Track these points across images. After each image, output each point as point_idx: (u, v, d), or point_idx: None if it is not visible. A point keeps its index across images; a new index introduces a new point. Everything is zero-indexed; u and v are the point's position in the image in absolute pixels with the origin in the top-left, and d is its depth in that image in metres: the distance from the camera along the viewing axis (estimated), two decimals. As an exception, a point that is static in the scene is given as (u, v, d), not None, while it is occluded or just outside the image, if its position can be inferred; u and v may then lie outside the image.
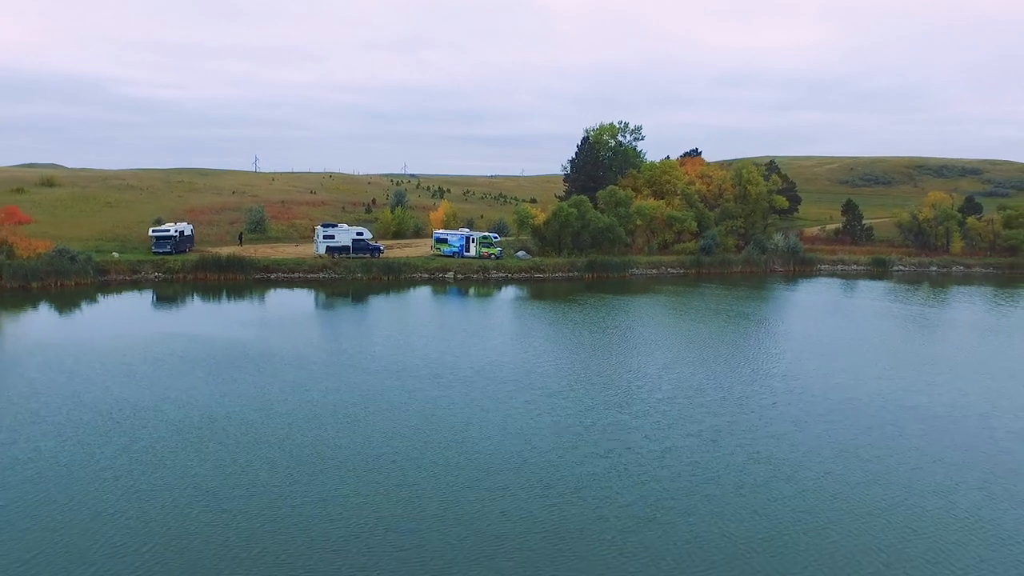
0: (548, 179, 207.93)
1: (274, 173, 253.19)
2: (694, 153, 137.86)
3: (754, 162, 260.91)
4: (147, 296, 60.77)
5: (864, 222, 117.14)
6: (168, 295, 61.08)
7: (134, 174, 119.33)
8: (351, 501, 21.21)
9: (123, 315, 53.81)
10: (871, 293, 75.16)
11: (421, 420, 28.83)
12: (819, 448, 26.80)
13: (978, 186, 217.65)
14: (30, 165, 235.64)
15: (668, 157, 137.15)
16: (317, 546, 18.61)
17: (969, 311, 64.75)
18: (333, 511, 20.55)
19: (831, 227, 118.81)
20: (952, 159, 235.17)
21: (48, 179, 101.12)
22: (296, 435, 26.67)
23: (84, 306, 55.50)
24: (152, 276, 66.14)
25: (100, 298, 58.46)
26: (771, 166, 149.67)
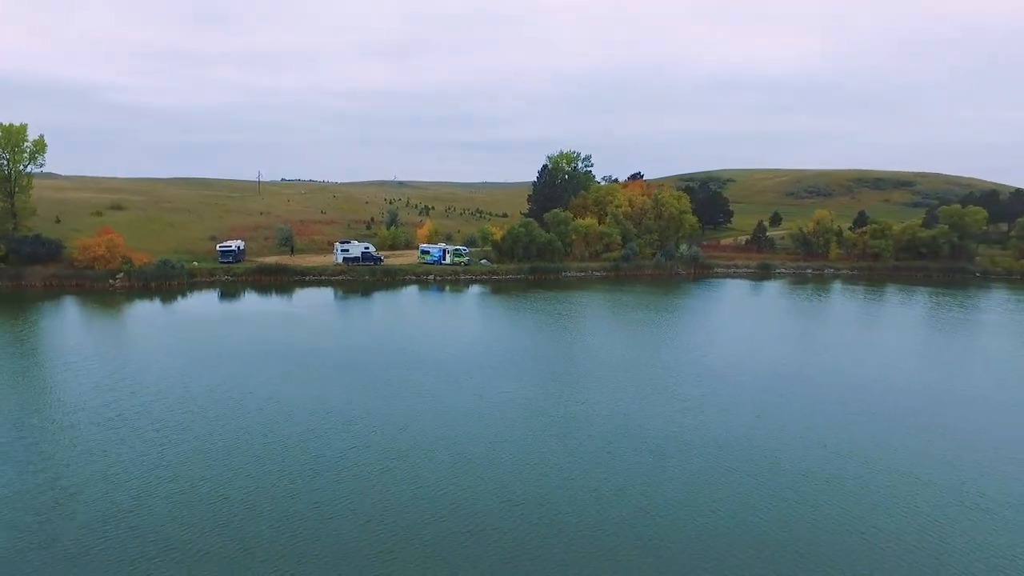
0: (529, 189, 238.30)
1: (274, 183, 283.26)
2: (637, 176, 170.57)
3: (711, 175, 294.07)
4: (228, 292, 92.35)
5: (768, 233, 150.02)
6: (240, 292, 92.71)
7: (180, 196, 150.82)
8: (376, 380, 53.38)
9: (229, 303, 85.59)
10: (732, 289, 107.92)
11: (407, 345, 61.06)
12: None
13: (908, 197, 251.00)
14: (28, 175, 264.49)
15: (616, 180, 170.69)
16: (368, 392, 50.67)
17: (810, 302, 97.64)
18: (360, 389, 52.70)
19: (742, 238, 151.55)
20: (888, 171, 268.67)
21: (117, 203, 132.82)
22: (362, 356, 58.86)
23: (196, 297, 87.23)
24: (223, 279, 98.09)
25: (200, 293, 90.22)
26: (703, 187, 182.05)
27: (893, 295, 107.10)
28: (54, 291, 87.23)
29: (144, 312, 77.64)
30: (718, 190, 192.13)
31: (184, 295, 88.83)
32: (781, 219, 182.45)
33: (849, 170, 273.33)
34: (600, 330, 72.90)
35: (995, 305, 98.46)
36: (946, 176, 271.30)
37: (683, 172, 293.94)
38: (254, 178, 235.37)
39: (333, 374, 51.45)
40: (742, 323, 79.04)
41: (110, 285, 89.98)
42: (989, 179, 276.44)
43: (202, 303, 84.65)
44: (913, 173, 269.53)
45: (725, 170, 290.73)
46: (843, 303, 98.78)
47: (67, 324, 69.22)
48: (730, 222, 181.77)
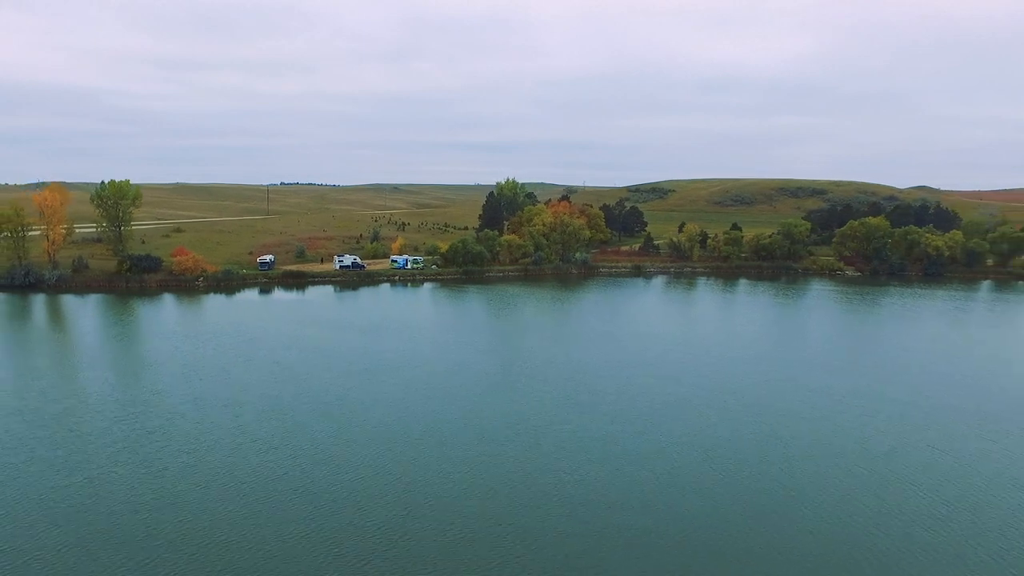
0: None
1: (273, 187, 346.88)
2: (565, 198, 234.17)
3: (657, 186, 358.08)
4: (267, 290, 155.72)
5: (656, 242, 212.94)
6: (275, 289, 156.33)
7: (226, 222, 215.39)
8: (366, 345, 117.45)
9: (271, 296, 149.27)
10: (601, 282, 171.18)
11: (384, 315, 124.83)
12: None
13: (819, 204, 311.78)
14: (39, 184, 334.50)
15: (551, 200, 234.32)
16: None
17: (651, 290, 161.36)
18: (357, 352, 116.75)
19: (636, 245, 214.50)
20: (806, 180, 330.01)
21: (178, 228, 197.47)
22: (366, 324, 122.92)
23: (249, 292, 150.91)
24: (263, 281, 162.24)
25: (251, 290, 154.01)
26: (620, 204, 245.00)
27: (716, 285, 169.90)
28: (162, 290, 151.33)
29: (225, 300, 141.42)
30: (635, 205, 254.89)
31: (241, 291, 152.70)
32: (682, 228, 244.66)
33: (773, 179, 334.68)
34: (500, 304, 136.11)
35: (777, 289, 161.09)
36: (858, 184, 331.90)
37: (634, 183, 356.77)
38: (253, 182, 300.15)
39: (342, 330, 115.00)
40: (582, 297, 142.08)
41: (196, 286, 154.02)
42: (902, 185, 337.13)
43: (255, 295, 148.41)
44: (828, 182, 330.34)
45: (671, 180, 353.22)
46: (671, 290, 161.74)
47: (180, 307, 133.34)
48: (645, 230, 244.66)
